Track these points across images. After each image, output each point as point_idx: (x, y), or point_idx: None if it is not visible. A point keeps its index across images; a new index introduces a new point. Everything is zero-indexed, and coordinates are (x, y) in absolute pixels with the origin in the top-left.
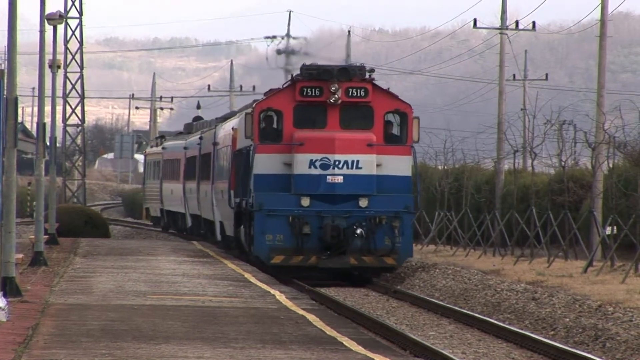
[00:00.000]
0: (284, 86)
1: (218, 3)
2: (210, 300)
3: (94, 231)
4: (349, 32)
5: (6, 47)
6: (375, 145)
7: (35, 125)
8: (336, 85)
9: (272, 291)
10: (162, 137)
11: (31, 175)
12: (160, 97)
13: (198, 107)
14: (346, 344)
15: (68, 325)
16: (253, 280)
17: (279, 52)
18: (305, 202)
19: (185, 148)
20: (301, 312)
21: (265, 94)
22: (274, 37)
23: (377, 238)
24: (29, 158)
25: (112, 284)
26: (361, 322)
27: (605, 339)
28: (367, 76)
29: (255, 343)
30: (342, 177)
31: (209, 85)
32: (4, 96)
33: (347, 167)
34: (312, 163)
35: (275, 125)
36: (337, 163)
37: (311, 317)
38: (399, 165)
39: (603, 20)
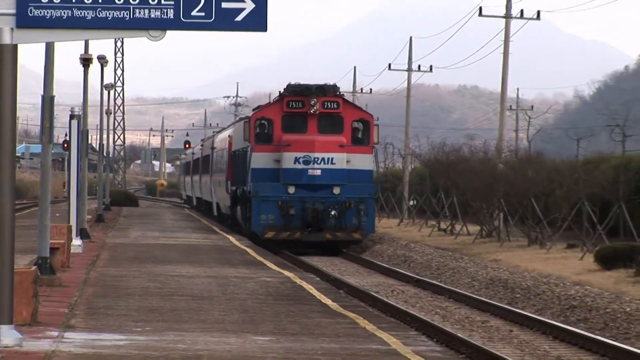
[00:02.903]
0: (274, 101)
1: (198, 77)
2: (193, 241)
3: (130, 203)
4: (269, 94)
5: (82, 103)
6: (345, 146)
7: (98, 145)
8: (315, 100)
9: (228, 236)
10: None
11: (95, 172)
12: (166, 130)
13: (187, 135)
14: (268, 265)
15: (116, 255)
16: (217, 229)
17: (231, 105)
18: (291, 190)
19: (192, 153)
20: (243, 247)
21: (254, 109)
22: (229, 96)
23: (347, 218)
24: (94, 163)
25: (140, 232)
26: (277, 254)
27: (410, 262)
28: (338, 93)
29: (218, 264)
30: (320, 171)
31: (193, 123)
32: (81, 129)
33: (324, 163)
34: (296, 159)
35: (266, 131)
36: (316, 160)
37: (249, 251)
38: (363, 161)
39: (409, 88)
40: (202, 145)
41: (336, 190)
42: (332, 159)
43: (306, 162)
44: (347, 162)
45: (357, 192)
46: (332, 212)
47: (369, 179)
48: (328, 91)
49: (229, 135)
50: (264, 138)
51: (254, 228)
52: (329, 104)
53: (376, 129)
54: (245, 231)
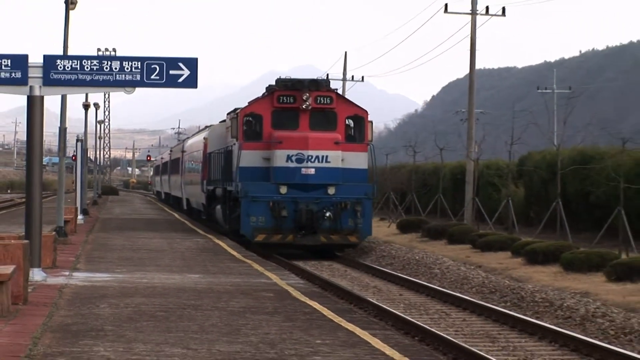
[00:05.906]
0: (263, 95)
1: (156, 115)
2: (152, 216)
3: (113, 193)
4: (199, 126)
5: (83, 132)
6: (340, 143)
7: (93, 158)
8: (307, 94)
9: (175, 213)
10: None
11: (91, 174)
12: (136, 148)
13: (148, 151)
14: (199, 232)
15: (105, 225)
16: (167, 209)
17: (175, 133)
18: (283, 190)
19: (162, 158)
20: (183, 220)
21: (228, 114)
22: (174, 128)
23: (342, 220)
24: (91, 169)
25: (120, 211)
26: (213, 230)
27: None
28: (331, 87)
29: (167, 230)
30: (314, 169)
31: (152, 145)
32: (83, 148)
33: (318, 161)
34: (289, 157)
35: (255, 127)
36: (310, 158)
37: (187, 222)
38: (359, 160)
39: None
40: (170, 151)
41: (331, 191)
42: (326, 157)
43: (299, 161)
44: (342, 160)
45: (353, 193)
46: (327, 214)
47: (364, 178)
48: (321, 85)
49: (204, 138)
50: (252, 135)
51: (243, 230)
52: (322, 99)
53: (370, 125)
54: (223, 230)
